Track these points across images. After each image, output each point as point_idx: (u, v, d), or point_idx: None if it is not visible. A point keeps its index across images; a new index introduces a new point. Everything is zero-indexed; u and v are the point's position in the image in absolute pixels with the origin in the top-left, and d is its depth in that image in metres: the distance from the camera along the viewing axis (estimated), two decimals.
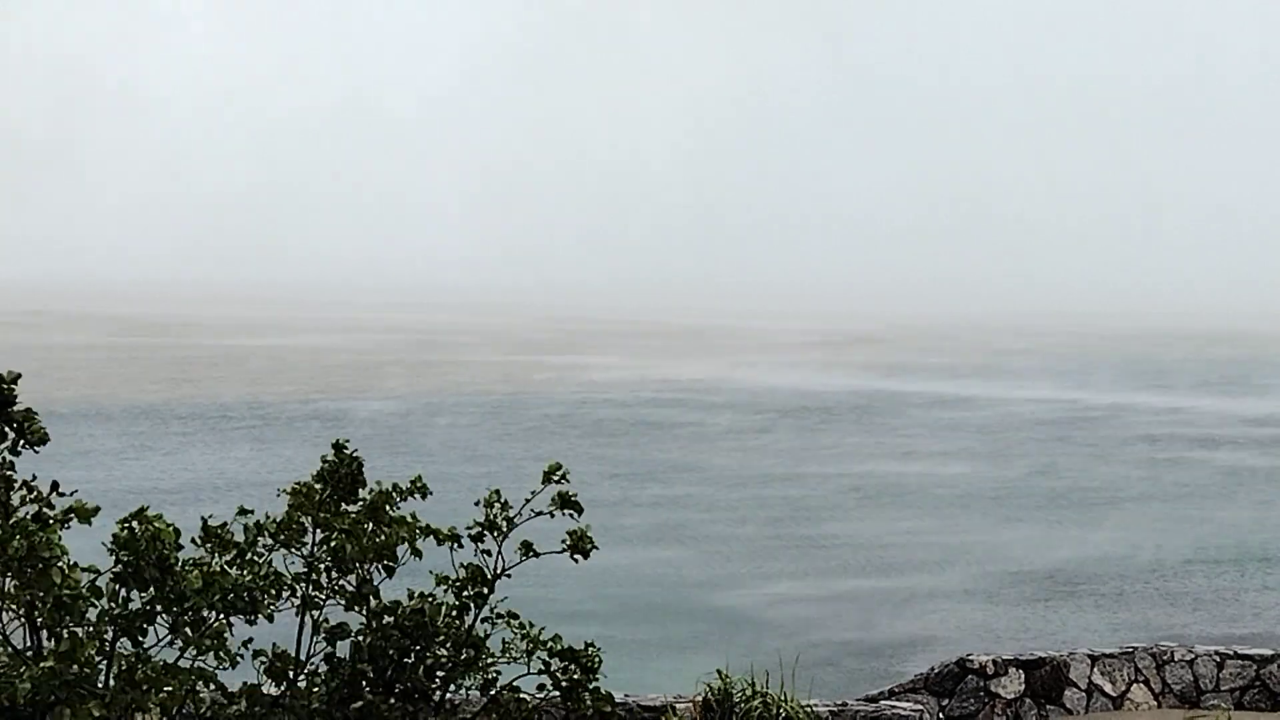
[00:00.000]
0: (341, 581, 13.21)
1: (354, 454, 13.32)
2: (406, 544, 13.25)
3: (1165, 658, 22.19)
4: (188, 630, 12.27)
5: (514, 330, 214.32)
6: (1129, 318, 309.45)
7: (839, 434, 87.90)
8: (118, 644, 12.23)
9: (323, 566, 13.07)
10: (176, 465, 68.89)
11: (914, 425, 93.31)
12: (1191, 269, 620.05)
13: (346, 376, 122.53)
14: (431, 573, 13.60)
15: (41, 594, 11.91)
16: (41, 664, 11.56)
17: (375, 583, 13.26)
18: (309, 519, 13.03)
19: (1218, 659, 22.20)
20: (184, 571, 12.20)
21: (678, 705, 17.99)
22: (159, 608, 12.21)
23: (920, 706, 19.51)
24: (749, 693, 17.89)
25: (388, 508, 13.22)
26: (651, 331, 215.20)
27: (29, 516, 12.13)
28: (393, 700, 13.06)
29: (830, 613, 40.96)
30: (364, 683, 13.05)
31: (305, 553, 13.06)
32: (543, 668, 13.61)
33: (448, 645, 13.39)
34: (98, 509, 12.26)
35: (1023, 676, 21.48)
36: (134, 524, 12.20)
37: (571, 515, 13.51)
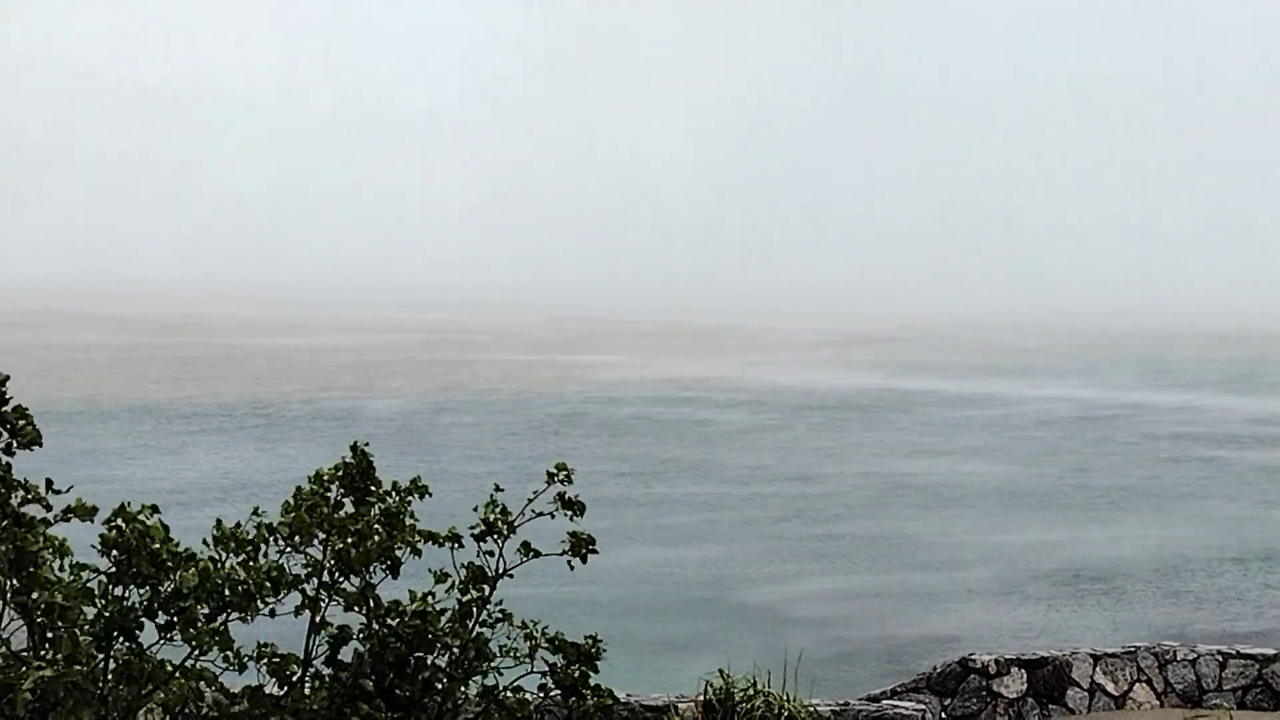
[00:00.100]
0: (343, 583, 13.21)
1: (368, 454, 13.32)
2: (408, 547, 13.26)
3: (1167, 657, 22.22)
4: (189, 629, 12.26)
5: (516, 329, 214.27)
6: (1130, 317, 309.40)
7: (858, 432, 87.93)
8: (116, 641, 12.22)
9: (324, 567, 13.08)
10: (180, 465, 68.93)
11: (933, 423, 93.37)
12: (1191, 269, 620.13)
13: (350, 376, 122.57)
14: (431, 571, 13.61)
15: (34, 595, 11.91)
16: (42, 671, 11.52)
17: (375, 583, 13.27)
18: (321, 522, 13.02)
19: (1220, 658, 22.23)
20: (178, 567, 12.20)
21: (680, 705, 18.00)
22: (155, 604, 12.21)
23: (923, 706, 19.55)
24: (750, 692, 17.92)
25: (402, 516, 13.25)
26: (654, 331, 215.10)
27: (13, 518, 12.07)
28: (392, 715, 13.05)
29: (854, 610, 41.03)
30: (363, 694, 13.03)
31: (311, 554, 13.05)
32: (546, 667, 13.63)
33: (453, 649, 13.39)
34: (95, 509, 12.26)
35: (1025, 676, 21.51)
36: (119, 522, 12.21)
37: (570, 516, 13.51)
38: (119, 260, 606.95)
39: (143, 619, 12.25)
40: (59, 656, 11.71)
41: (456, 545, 13.49)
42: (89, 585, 12.20)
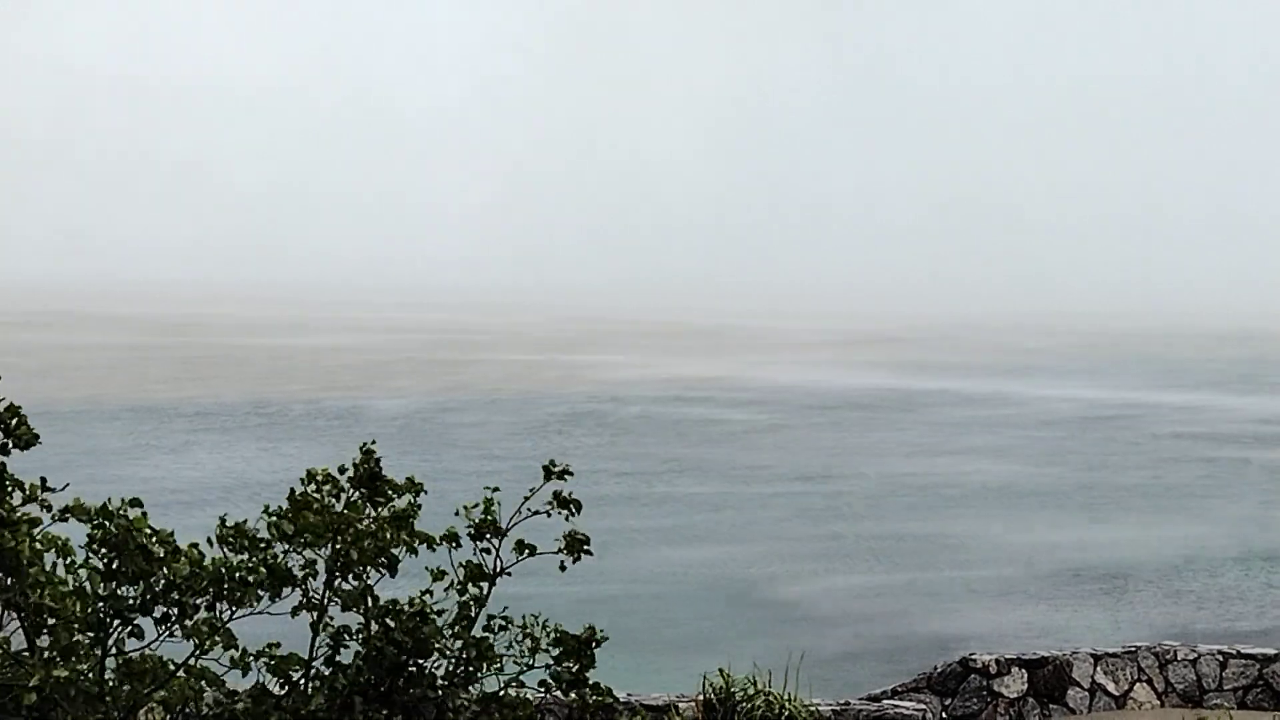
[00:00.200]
0: (340, 582, 13.22)
1: (375, 454, 13.33)
2: (405, 546, 13.27)
3: (1168, 657, 22.24)
4: (185, 621, 12.26)
5: (517, 329, 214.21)
6: (1130, 317, 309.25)
7: (862, 432, 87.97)
8: (113, 633, 12.23)
9: (334, 564, 13.09)
10: (182, 464, 68.99)
11: (937, 423, 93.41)
12: (1192, 269, 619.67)
13: (352, 376, 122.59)
14: (428, 569, 13.63)
15: (21, 595, 11.91)
16: (55, 673, 11.53)
17: (374, 583, 13.27)
18: (329, 523, 13.02)
19: (1220, 658, 22.26)
20: (170, 559, 12.19)
21: (680, 704, 18.01)
22: (149, 597, 12.21)
23: (923, 706, 19.58)
24: (751, 691, 17.93)
25: (411, 517, 13.26)
26: (656, 331, 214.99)
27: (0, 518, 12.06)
28: (391, 715, 13.06)
29: (870, 609, 41.06)
30: (361, 696, 13.03)
31: (309, 555, 13.05)
32: (550, 662, 13.61)
33: (452, 650, 13.38)
34: (93, 508, 12.27)
35: (1025, 676, 21.53)
36: (104, 521, 12.22)
37: (566, 515, 13.50)
38: (119, 260, 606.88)
39: (137, 612, 12.25)
40: (55, 656, 11.70)
41: (454, 545, 13.49)
42: (83, 585, 12.18)
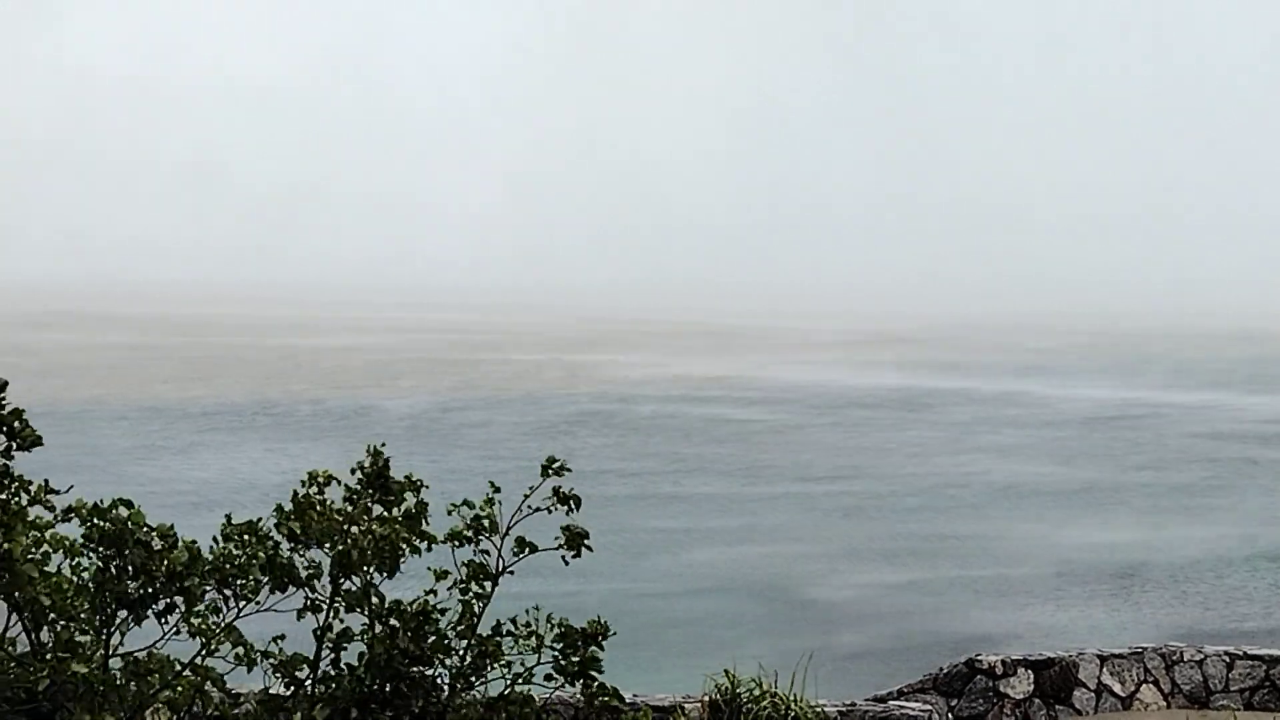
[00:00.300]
0: (343, 583, 13.18)
1: (384, 454, 13.29)
2: (406, 546, 13.24)
3: (1174, 658, 22.21)
4: (194, 621, 12.24)
5: (523, 329, 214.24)
6: (1132, 317, 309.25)
7: (872, 431, 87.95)
8: (119, 625, 12.21)
9: (342, 562, 13.06)
10: (189, 464, 68.97)
11: (952, 422, 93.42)
12: (1192, 269, 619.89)
13: (359, 376, 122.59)
14: (430, 570, 13.60)
15: (17, 594, 11.89)
16: (78, 669, 11.51)
17: (377, 583, 13.24)
18: (331, 525, 12.98)
19: (1227, 659, 22.22)
20: (167, 551, 12.18)
21: (686, 705, 17.97)
22: (151, 590, 12.19)
23: (929, 706, 19.54)
24: (757, 693, 17.89)
25: (422, 518, 13.24)
26: (660, 331, 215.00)
27: None
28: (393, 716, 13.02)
29: (896, 607, 41.06)
30: (356, 710, 12.99)
31: (311, 556, 13.02)
32: (555, 658, 13.56)
33: (457, 649, 13.34)
34: (85, 507, 12.25)
35: (1031, 677, 21.49)
36: (97, 520, 12.20)
37: (566, 511, 13.47)
38: (119, 260, 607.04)
39: (139, 604, 12.22)
40: (61, 653, 11.69)
41: (456, 545, 13.46)
42: (87, 585, 12.17)
